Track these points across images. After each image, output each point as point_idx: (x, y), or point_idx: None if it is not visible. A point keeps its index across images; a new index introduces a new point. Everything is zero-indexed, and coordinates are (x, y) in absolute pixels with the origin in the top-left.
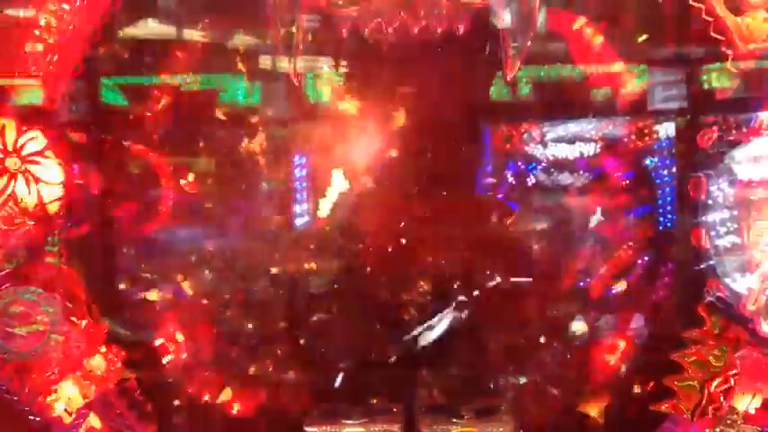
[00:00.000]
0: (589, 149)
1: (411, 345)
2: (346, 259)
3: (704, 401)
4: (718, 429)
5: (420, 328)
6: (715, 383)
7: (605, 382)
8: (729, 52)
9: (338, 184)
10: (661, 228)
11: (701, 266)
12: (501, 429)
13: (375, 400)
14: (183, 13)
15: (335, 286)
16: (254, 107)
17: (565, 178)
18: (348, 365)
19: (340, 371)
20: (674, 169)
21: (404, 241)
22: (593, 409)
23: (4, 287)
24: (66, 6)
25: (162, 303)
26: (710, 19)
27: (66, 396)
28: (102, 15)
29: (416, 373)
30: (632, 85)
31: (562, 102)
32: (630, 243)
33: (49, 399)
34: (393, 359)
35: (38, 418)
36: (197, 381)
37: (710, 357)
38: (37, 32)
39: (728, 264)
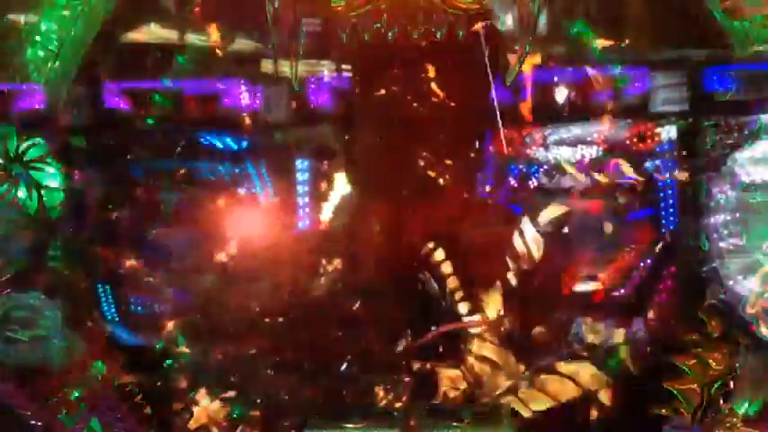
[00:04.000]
0: (591, 152)
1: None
2: (346, 263)
3: (704, 404)
4: None
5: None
6: (715, 386)
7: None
8: (729, 55)
9: (340, 189)
10: (663, 231)
11: (703, 269)
12: None
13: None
14: (185, 17)
15: (336, 290)
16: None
17: (567, 181)
18: (349, 368)
19: (341, 373)
20: (676, 172)
21: (404, 243)
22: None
23: (5, 292)
24: (66, 12)
25: (163, 308)
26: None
27: (68, 400)
28: (104, 20)
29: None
30: None
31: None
32: (633, 246)
33: (50, 403)
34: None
35: (39, 423)
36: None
37: (711, 361)
38: (38, 38)
39: (730, 266)
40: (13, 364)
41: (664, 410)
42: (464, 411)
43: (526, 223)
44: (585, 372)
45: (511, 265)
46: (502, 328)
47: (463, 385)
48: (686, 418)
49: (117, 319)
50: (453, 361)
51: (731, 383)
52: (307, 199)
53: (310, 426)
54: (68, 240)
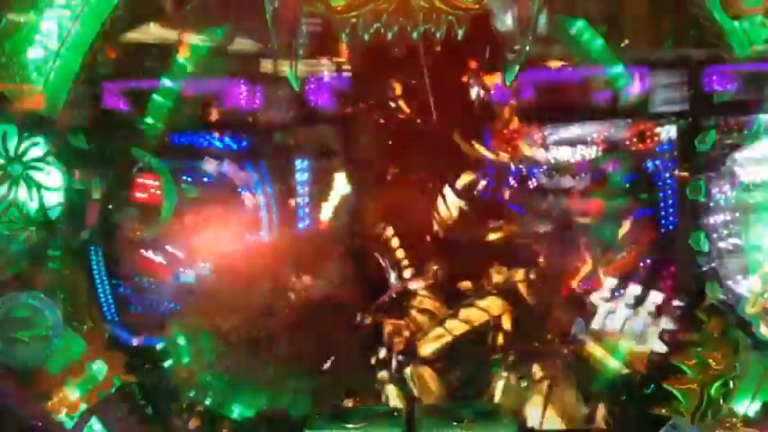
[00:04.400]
0: (590, 152)
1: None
2: (348, 263)
3: (704, 404)
4: None
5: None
6: (715, 386)
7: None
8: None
9: (340, 188)
10: (663, 230)
11: (703, 269)
12: None
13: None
14: (184, 17)
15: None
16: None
17: (566, 181)
18: (352, 368)
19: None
20: (675, 172)
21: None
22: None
23: (6, 293)
24: (67, 12)
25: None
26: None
27: (69, 401)
28: (104, 21)
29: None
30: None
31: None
32: (632, 245)
33: (51, 403)
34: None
35: (40, 423)
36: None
37: (711, 360)
38: (39, 38)
39: (729, 266)
40: (14, 364)
41: (664, 411)
42: (464, 411)
43: (447, 190)
44: (495, 304)
45: (437, 226)
46: (434, 280)
47: (406, 333)
48: (686, 417)
49: (117, 318)
50: (399, 314)
51: (731, 383)
52: (306, 199)
53: (311, 425)
54: (68, 240)
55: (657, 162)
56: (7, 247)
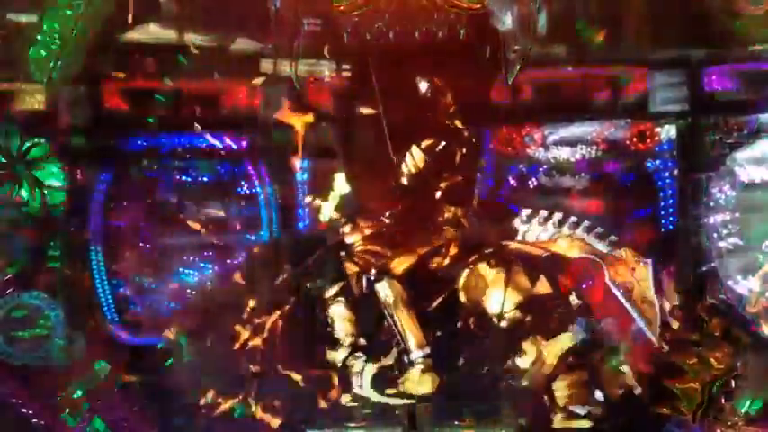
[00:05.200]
0: (591, 152)
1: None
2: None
3: (706, 403)
4: (719, 431)
5: None
6: (716, 385)
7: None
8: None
9: (340, 188)
10: (663, 230)
11: (704, 269)
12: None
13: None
14: (185, 17)
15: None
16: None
17: (566, 181)
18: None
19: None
20: (675, 171)
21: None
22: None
23: (7, 292)
24: (69, 12)
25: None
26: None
27: (72, 399)
28: (105, 21)
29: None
30: None
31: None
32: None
33: (54, 402)
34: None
35: (42, 422)
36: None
37: (712, 359)
38: (40, 38)
39: (730, 266)
40: (16, 363)
41: (665, 409)
42: (464, 411)
43: (414, 149)
44: (448, 232)
45: (405, 176)
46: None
47: (356, 269)
48: (687, 416)
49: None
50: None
51: (732, 382)
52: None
53: (311, 425)
54: (69, 239)
55: (657, 162)
56: (9, 246)
